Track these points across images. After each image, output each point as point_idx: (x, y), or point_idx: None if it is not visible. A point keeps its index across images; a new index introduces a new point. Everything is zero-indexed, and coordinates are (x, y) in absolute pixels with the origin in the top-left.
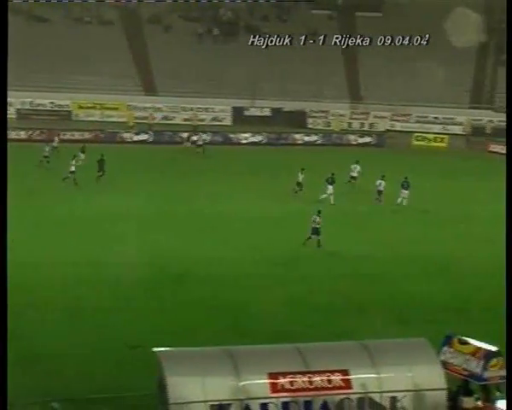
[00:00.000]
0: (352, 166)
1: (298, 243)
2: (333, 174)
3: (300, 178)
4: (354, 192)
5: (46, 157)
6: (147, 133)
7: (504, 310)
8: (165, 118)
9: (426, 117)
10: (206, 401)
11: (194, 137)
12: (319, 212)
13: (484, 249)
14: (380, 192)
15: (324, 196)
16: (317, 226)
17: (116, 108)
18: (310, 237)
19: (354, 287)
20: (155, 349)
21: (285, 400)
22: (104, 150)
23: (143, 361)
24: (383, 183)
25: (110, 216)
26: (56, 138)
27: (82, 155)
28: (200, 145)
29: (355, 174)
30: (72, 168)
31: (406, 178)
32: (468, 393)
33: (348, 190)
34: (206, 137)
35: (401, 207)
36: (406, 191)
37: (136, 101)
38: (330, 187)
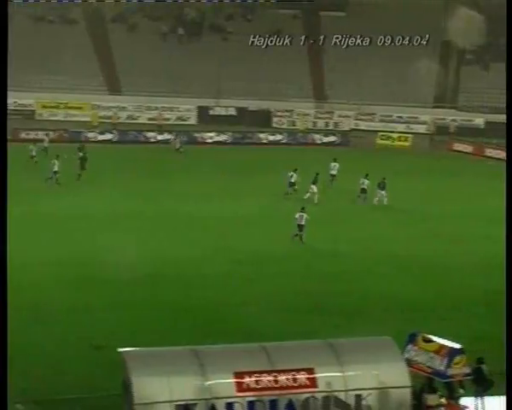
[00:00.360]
0: (332, 165)
1: (270, 241)
2: (317, 174)
3: (293, 178)
4: (332, 191)
5: (33, 157)
6: (111, 133)
7: (484, 308)
8: (130, 117)
9: (390, 116)
10: (172, 401)
11: (177, 140)
12: (303, 208)
13: (452, 247)
14: (363, 190)
15: (308, 195)
16: (302, 224)
17: (80, 108)
18: (297, 235)
19: (321, 286)
20: (120, 349)
21: (251, 399)
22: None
23: (112, 361)
24: (366, 181)
25: (80, 216)
26: (46, 138)
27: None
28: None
29: (334, 172)
30: (55, 168)
31: (384, 178)
32: (432, 390)
33: (324, 189)
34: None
35: (373, 207)
36: (383, 191)
37: (101, 100)
38: (313, 186)
